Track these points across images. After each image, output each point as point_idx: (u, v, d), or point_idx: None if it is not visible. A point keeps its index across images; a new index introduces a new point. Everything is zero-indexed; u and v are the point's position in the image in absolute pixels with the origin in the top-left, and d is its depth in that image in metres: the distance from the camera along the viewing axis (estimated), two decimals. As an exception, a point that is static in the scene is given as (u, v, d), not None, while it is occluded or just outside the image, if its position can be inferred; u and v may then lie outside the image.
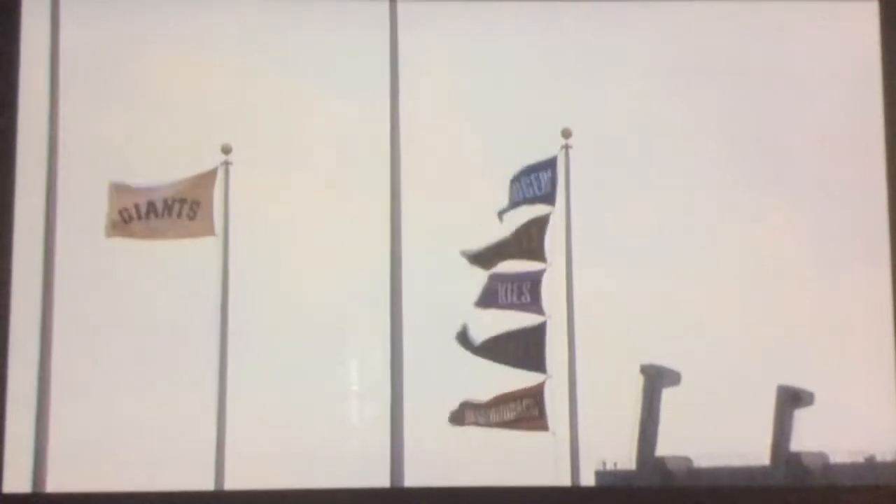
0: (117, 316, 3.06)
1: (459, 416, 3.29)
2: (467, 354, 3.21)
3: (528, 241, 3.46)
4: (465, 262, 3.36)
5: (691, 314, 3.23)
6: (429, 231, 3.24)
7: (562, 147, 3.47)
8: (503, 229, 3.40)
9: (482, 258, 3.41)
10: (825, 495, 2.84)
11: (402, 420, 2.98)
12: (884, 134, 2.77)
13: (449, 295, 3.19)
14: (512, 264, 3.47)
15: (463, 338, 3.30)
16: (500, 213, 3.41)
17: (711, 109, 3.05)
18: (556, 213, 3.46)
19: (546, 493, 3.00)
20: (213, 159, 3.29)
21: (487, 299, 3.52)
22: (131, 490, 2.69)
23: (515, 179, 3.56)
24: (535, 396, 3.38)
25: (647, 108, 3.16)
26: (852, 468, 3.20)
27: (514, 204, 3.51)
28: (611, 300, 3.31)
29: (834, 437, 3.14)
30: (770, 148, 2.98)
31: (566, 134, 3.48)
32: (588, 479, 3.17)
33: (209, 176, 3.35)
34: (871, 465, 3.20)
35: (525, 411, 3.35)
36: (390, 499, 2.73)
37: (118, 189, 3.20)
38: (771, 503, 2.86)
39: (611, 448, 3.22)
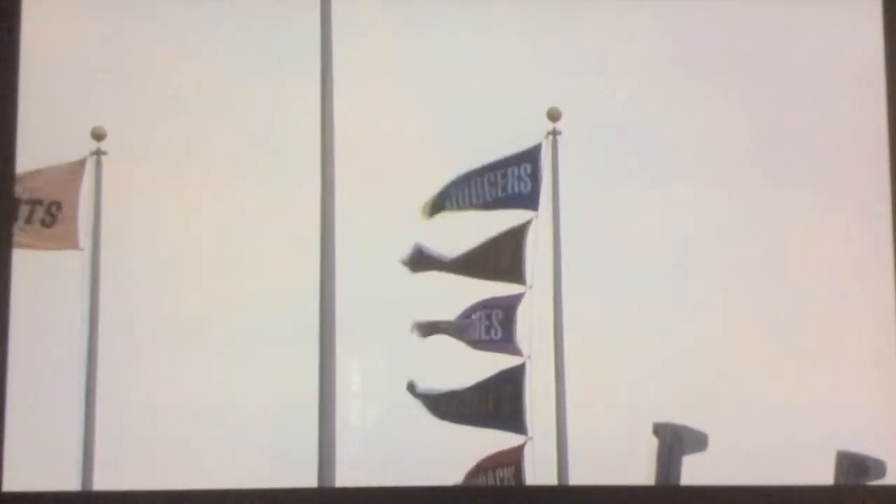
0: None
1: None
2: (407, 356, 2.70)
3: (501, 257, 2.83)
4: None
5: (717, 352, 2.70)
6: (368, 237, 2.72)
7: (548, 134, 2.84)
8: (466, 236, 2.80)
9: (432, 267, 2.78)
10: (827, 495, 2.53)
11: (333, 419, 2.60)
12: (887, 132, 2.60)
13: (388, 298, 2.69)
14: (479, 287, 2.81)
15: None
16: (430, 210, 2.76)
17: (713, 108, 2.72)
18: (540, 221, 2.85)
19: (487, 492, 2.62)
20: (82, 147, 2.71)
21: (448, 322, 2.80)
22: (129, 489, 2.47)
23: (480, 174, 2.82)
24: (511, 466, 2.75)
25: (645, 107, 2.76)
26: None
27: (478, 204, 2.82)
28: (611, 336, 2.74)
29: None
30: (775, 147, 2.68)
31: (553, 116, 2.85)
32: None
33: (74, 169, 2.66)
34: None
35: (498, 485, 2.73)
36: (316, 499, 2.52)
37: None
38: (772, 502, 2.50)
39: (613, 535, 2.63)
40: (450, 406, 2.74)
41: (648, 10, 2.76)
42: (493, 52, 2.81)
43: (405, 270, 2.73)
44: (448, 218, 2.82)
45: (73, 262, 2.67)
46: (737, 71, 2.72)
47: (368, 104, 2.75)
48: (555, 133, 2.86)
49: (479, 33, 2.81)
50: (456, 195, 2.83)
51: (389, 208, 2.73)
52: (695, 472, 2.66)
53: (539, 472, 2.75)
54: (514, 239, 2.85)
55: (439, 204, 2.80)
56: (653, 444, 2.72)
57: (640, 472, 2.71)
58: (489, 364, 2.79)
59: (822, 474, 2.61)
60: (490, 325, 2.82)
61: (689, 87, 2.73)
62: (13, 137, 2.55)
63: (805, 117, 2.68)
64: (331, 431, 2.61)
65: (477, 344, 2.80)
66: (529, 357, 2.80)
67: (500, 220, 2.85)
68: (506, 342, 2.81)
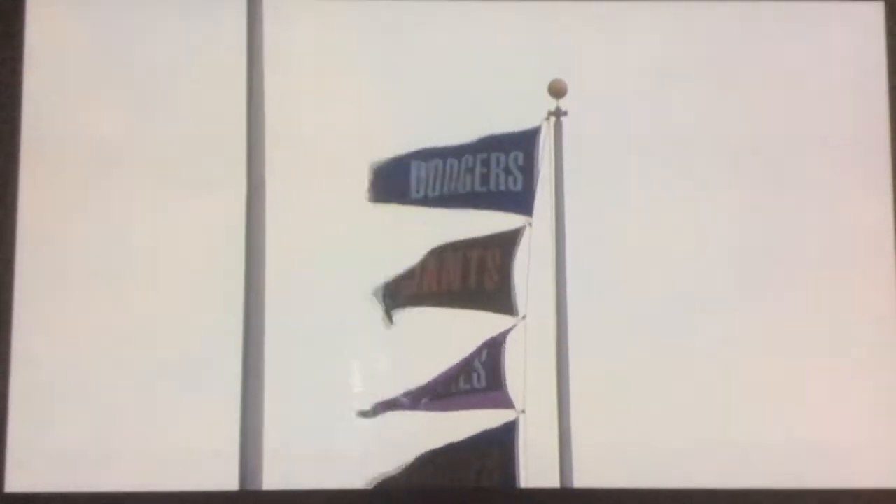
0: None
1: None
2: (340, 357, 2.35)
3: (485, 277, 2.29)
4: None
5: (772, 395, 2.36)
6: (302, 249, 2.37)
7: (549, 115, 2.36)
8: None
9: (395, 300, 2.28)
10: (826, 497, 2.36)
11: (260, 417, 2.36)
12: (889, 136, 2.54)
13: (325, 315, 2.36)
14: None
15: None
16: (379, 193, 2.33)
17: (713, 111, 2.52)
18: (539, 228, 2.32)
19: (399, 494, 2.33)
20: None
21: (408, 391, 2.25)
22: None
23: (457, 153, 2.31)
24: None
25: (644, 109, 2.50)
26: None
27: (450, 197, 2.31)
28: (630, 380, 2.31)
29: None
30: (777, 151, 2.53)
31: (557, 91, 2.35)
32: None
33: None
34: None
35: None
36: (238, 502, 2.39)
37: None
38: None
39: None
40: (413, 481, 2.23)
41: (646, 17, 2.53)
42: (455, 43, 2.45)
43: (349, 286, 2.31)
44: (412, 216, 2.34)
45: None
46: (737, 76, 2.53)
47: (308, 93, 2.46)
48: (558, 114, 2.35)
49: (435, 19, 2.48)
50: (424, 180, 2.32)
51: (330, 211, 2.36)
52: (699, 474, 2.33)
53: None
54: (500, 253, 2.29)
55: (398, 188, 2.32)
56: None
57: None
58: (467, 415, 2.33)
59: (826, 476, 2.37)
60: (471, 370, 2.26)
61: (689, 90, 2.50)
62: (17, 138, 2.46)
63: (806, 119, 2.52)
64: (257, 431, 2.34)
65: (457, 400, 2.25)
66: (523, 411, 2.27)
67: (483, 224, 2.35)
68: (492, 391, 2.26)
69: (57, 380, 2.42)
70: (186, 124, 2.45)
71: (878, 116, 2.53)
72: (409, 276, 2.26)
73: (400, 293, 2.25)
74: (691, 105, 2.45)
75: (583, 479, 2.29)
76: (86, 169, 2.45)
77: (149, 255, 2.42)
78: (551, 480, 2.30)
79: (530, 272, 2.28)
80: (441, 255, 2.27)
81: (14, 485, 2.37)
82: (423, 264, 2.27)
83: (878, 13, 2.56)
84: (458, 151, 2.28)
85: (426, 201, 2.29)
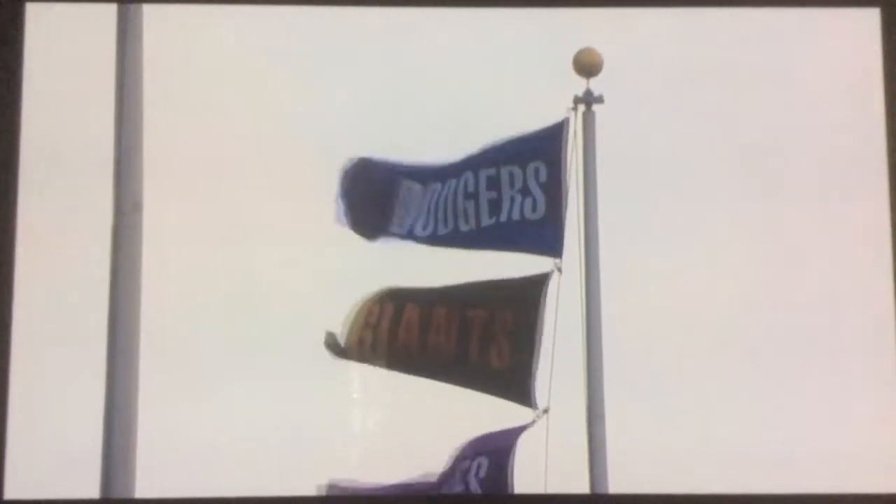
0: None
1: None
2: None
3: (492, 351, 1.63)
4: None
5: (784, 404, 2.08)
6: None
7: (576, 102, 1.76)
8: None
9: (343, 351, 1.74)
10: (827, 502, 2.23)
11: (133, 424, 2.12)
12: (885, 141, 2.46)
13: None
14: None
15: None
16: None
17: (712, 116, 2.29)
18: (568, 275, 1.67)
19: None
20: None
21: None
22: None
23: (455, 173, 1.68)
24: None
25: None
26: None
27: (446, 239, 1.70)
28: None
29: None
30: (772, 158, 2.32)
31: (588, 66, 1.75)
32: None
33: None
34: None
35: None
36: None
37: None
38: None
39: None
40: None
41: (644, 22, 2.36)
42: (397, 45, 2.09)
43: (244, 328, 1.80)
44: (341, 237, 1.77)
45: None
46: (734, 82, 2.40)
47: (193, 110, 2.25)
48: (589, 100, 1.71)
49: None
50: (413, 207, 1.72)
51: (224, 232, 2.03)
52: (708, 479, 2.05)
53: None
54: (513, 316, 1.62)
55: (380, 211, 1.72)
56: None
57: None
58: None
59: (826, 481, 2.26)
60: (465, 489, 1.62)
61: (688, 93, 2.32)
62: (16, 144, 2.37)
63: (803, 125, 2.42)
64: (125, 437, 2.17)
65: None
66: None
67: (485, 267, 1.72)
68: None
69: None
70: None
71: (874, 120, 2.47)
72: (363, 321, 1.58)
73: (353, 345, 1.60)
74: (690, 108, 2.19)
75: None
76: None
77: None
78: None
79: (555, 333, 1.63)
80: (423, 305, 1.56)
81: (14, 492, 2.27)
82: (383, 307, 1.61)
83: (873, 19, 2.53)
84: (457, 169, 1.62)
85: (417, 239, 1.63)
